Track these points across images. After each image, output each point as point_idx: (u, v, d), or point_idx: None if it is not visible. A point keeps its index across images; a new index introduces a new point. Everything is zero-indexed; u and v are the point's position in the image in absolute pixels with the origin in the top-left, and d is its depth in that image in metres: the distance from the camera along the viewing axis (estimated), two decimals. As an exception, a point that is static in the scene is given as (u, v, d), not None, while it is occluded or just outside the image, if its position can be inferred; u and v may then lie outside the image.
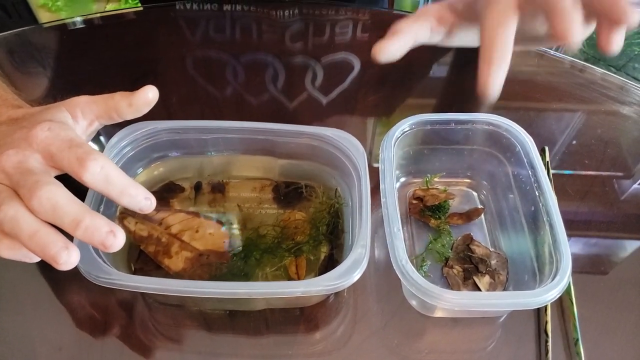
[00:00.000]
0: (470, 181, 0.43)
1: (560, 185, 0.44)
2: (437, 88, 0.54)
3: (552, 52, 0.55)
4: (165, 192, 0.40)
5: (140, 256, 0.36)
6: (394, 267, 0.31)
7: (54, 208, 0.24)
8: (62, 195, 0.24)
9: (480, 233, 0.40)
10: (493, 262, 0.37)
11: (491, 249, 0.38)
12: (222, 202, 0.40)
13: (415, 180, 0.43)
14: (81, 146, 0.26)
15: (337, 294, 0.37)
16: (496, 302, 0.31)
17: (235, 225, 0.38)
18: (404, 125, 0.38)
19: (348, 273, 0.29)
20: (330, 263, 0.36)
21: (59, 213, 0.24)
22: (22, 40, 0.57)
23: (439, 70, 0.55)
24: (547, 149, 0.46)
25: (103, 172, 0.25)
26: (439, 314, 0.35)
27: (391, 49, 0.33)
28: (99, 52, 0.56)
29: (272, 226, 0.38)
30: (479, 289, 0.36)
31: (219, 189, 0.41)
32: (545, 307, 0.35)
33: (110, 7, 1.57)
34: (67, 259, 0.24)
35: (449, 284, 0.36)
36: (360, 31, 0.58)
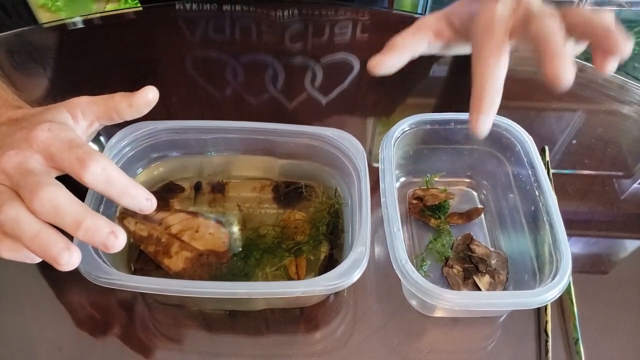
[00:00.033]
0: (470, 181, 0.43)
1: (561, 184, 0.44)
2: (437, 88, 0.54)
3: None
4: (165, 192, 0.40)
5: (140, 256, 0.36)
6: (394, 267, 0.31)
7: (55, 209, 0.24)
8: (63, 196, 0.24)
9: (480, 233, 0.40)
10: (493, 261, 0.37)
11: (491, 249, 0.38)
12: (222, 202, 0.40)
13: (415, 180, 0.43)
14: (81, 147, 0.26)
15: (337, 293, 0.37)
16: (496, 301, 0.31)
17: (235, 225, 0.38)
18: (404, 125, 0.38)
19: (348, 273, 0.29)
20: (330, 263, 0.36)
21: (60, 214, 0.24)
22: (21, 41, 0.57)
23: (439, 70, 0.55)
24: (547, 148, 0.46)
25: (104, 172, 0.25)
26: (439, 313, 0.35)
27: (388, 63, 0.33)
28: (98, 52, 0.56)
29: (272, 226, 0.38)
30: (479, 289, 0.36)
31: (218, 189, 0.41)
32: (546, 306, 0.35)
33: (110, 7, 1.57)
34: (69, 259, 0.24)
35: (449, 284, 0.36)
36: (360, 31, 0.58)
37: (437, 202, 0.40)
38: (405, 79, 0.51)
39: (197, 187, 0.41)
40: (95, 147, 0.38)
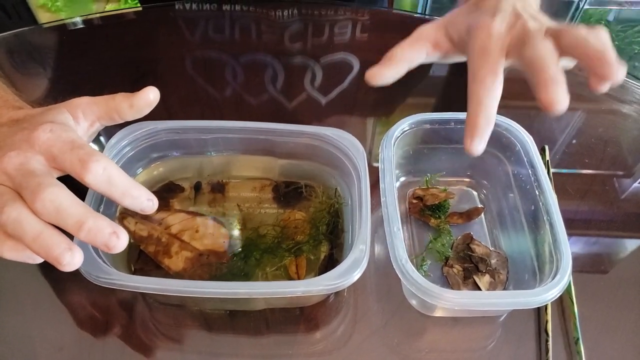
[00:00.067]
0: (470, 180, 0.43)
1: (561, 184, 0.44)
2: (437, 87, 0.54)
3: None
4: (165, 192, 0.40)
5: (140, 256, 0.36)
6: (394, 267, 0.31)
7: (57, 210, 0.24)
8: (65, 197, 0.24)
9: (480, 232, 0.40)
10: (493, 261, 0.37)
11: (491, 248, 0.38)
12: (222, 202, 0.40)
13: (415, 180, 0.43)
14: (83, 147, 0.26)
15: (337, 293, 0.37)
16: (496, 301, 0.31)
17: (235, 225, 0.38)
18: (404, 125, 0.38)
19: (348, 272, 0.29)
20: (330, 263, 0.36)
21: (62, 215, 0.24)
22: (21, 41, 0.57)
23: (439, 69, 0.55)
24: (547, 148, 0.46)
25: (105, 173, 0.25)
26: (439, 313, 0.35)
27: (386, 75, 0.33)
28: (98, 53, 0.56)
29: (272, 226, 0.38)
30: (479, 288, 0.36)
31: (218, 189, 0.41)
32: (546, 306, 0.35)
33: (109, 7, 1.57)
34: (71, 260, 0.24)
35: (449, 284, 0.36)
36: (360, 31, 0.58)
37: (437, 202, 0.40)
38: (405, 78, 0.51)
39: (197, 187, 0.41)
40: (95, 147, 0.38)
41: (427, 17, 0.80)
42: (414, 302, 0.36)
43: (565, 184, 0.44)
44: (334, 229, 0.37)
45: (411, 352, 0.34)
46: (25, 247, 0.24)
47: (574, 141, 0.49)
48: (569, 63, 0.30)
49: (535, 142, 0.37)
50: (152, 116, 0.32)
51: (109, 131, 0.35)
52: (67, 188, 0.25)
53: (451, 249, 0.38)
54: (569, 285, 0.36)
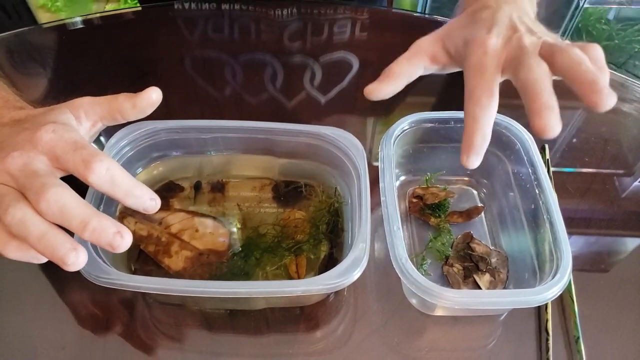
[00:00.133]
0: (470, 179, 0.43)
1: (561, 183, 0.44)
2: (437, 86, 0.54)
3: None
4: (164, 192, 0.40)
5: (140, 256, 0.36)
6: (394, 266, 0.31)
7: (62, 210, 0.24)
8: (69, 197, 0.24)
9: (481, 231, 0.40)
10: (493, 260, 0.37)
11: (491, 247, 0.38)
12: (222, 201, 0.40)
13: (415, 179, 0.43)
14: (86, 148, 0.26)
15: (337, 292, 0.37)
16: (496, 300, 0.31)
17: (235, 225, 0.38)
18: (404, 124, 0.38)
19: (348, 272, 0.29)
20: (330, 262, 0.36)
21: (66, 215, 0.24)
22: (21, 41, 0.57)
23: (439, 68, 0.55)
24: (547, 146, 0.46)
25: (108, 173, 0.25)
26: (439, 312, 0.35)
27: (385, 90, 0.34)
28: (98, 52, 0.56)
29: (272, 225, 0.38)
30: (479, 287, 0.36)
31: (218, 188, 0.41)
32: (546, 305, 0.35)
33: (109, 7, 1.57)
34: (75, 260, 0.24)
35: (449, 283, 0.36)
36: (359, 30, 0.58)
37: (437, 201, 0.40)
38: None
39: (197, 187, 0.41)
40: (95, 147, 0.38)
41: (426, 16, 0.80)
42: (414, 301, 0.36)
43: (566, 183, 0.44)
44: (334, 228, 0.37)
45: (411, 351, 0.34)
46: (30, 247, 0.25)
47: (574, 140, 0.49)
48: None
49: (535, 141, 0.37)
50: (151, 116, 0.32)
51: (109, 131, 0.35)
52: (70, 188, 0.25)
53: (451, 248, 0.38)
54: (569, 284, 0.36)
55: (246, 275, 0.35)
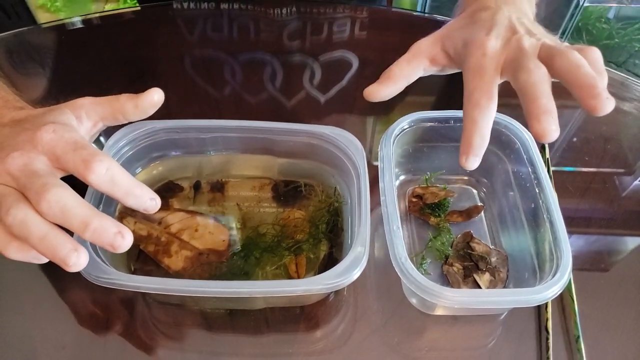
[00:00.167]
0: (469, 179, 0.43)
1: (561, 182, 0.44)
2: (436, 85, 0.54)
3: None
4: (164, 192, 0.40)
5: (139, 255, 0.36)
6: (394, 265, 0.31)
7: (63, 211, 0.24)
8: (70, 197, 0.24)
9: (480, 230, 0.40)
10: (493, 259, 0.37)
11: (491, 247, 0.38)
12: (222, 201, 0.40)
13: (414, 178, 0.43)
14: (86, 148, 0.26)
15: (337, 292, 0.36)
16: (496, 299, 0.31)
17: (234, 224, 0.38)
18: (403, 123, 0.38)
19: (348, 271, 0.29)
20: (330, 261, 0.36)
21: (67, 215, 0.24)
22: (20, 41, 0.57)
23: (438, 67, 0.55)
24: (547, 145, 0.46)
25: (108, 173, 0.25)
26: (439, 311, 0.35)
27: (384, 92, 0.34)
28: (97, 52, 0.56)
29: (272, 225, 0.38)
30: (479, 287, 0.36)
31: (218, 188, 0.41)
32: (546, 304, 0.35)
33: (108, 7, 1.57)
34: (77, 260, 0.24)
35: (449, 282, 0.36)
36: (359, 29, 0.58)
37: (436, 200, 0.40)
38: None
39: (197, 187, 0.41)
40: (95, 147, 0.38)
41: (426, 15, 0.80)
42: (413, 301, 0.36)
43: (566, 182, 0.44)
44: (333, 228, 0.37)
45: (411, 351, 0.34)
46: (31, 247, 0.25)
47: (574, 139, 0.49)
48: None
49: (535, 140, 0.37)
50: (151, 115, 0.32)
51: (108, 131, 0.35)
52: (71, 188, 0.25)
53: (451, 247, 0.38)
54: (569, 283, 0.36)
55: (246, 275, 0.35)
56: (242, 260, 0.36)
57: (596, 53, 0.30)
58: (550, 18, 1.14)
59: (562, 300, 0.36)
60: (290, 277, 0.35)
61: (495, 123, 0.38)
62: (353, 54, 0.55)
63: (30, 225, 0.24)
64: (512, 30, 0.32)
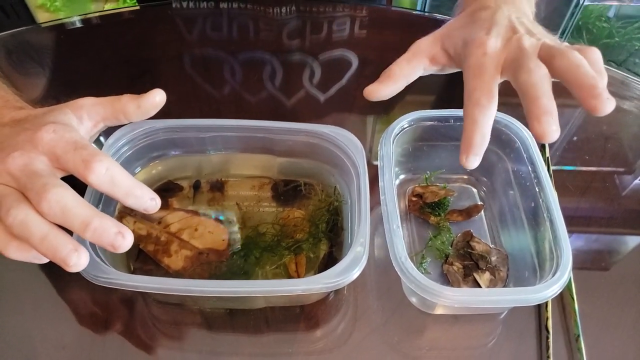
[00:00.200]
0: (469, 178, 0.43)
1: (561, 181, 0.44)
2: (436, 84, 0.53)
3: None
4: (163, 191, 0.40)
5: (139, 255, 0.36)
6: (394, 265, 0.31)
7: (63, 211, 0.24)
8: (71, 197, 0.24)
9: (480, 229, 0.40)
10: (493, 258, 0.37)
11: (491, 246, 0.38)
12: (221, 200, 0.40)
13: (414, 177, 0.43)
14: (86, 148, 0.26)
15: (337, 291, 0.36)
16: (496, 298, 0.31)
17: (234, 224, 0.38)
18: (403, 122, 0.38)
19: (348, 270, 0.29)
20: (330, 261, 0.36)
21: (68, 215, 0.24)
22: (20, 41, 0.57)
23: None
24: (547, 144, 0.46)
25: (108, 173, 0.25)
26: (439, 311, 0.35)
27: (384, 91, 0.34)
28: (97, 52, 0.56)
29: (272, 224, 0.38)
30: (479, 286, 0.36)
31: (217, 187, 0.41)
32: (546, 303, 0.35)
33: (108, 6, 1.57)
34: (77, 261, 0.24)
35: (449, 281, 0.36)
36: (358, 28, 0.58)
37: (436, 199, 0.40)
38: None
39: (196, 186, 0.41)
40: (95, 147, 0.38)
41: (426, 14, 0.80)
42: (414, 300, 0.36)
43: (566, 181, 0.44)
44: (333, 227, 0.37)
45: (411, 350, 0.34)
46: (31, 247, 0.25)
47: (574, 138, 0.48)
48: None
49: (535, 139, 0.37)
50: (150, 115, 0.32)
51: (107, 130, 0.35)
52: (71, 188, 0.25)
53: (451, 246, 0.38)
54: (570, 282, 0.36)
55: (246, 275, 0.35)
56: (242, 259, 0.36)
57: (596, 53, 0.30)
58: (551, 17, 1.14)
59: (562, 299, 0.36)
60: (290, 277, 0.35)
61: (495, 122, 0.38)
62: (353, 53, 0.55)
63: (31, 226, 0.24)
64: (512, 29, 0.32)
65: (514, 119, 0.38)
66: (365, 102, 0.35)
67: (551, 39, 0.32)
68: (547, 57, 0.30)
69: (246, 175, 0.41)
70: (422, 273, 0.30)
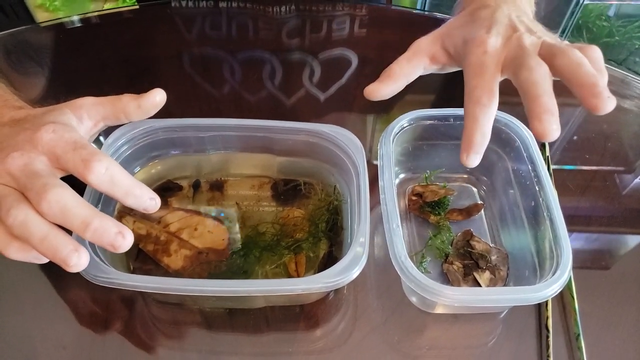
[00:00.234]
0: (469, 177, 0.43)
1: (561, 180, 0.44)
2: (436, 83, 0.53)
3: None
4: (163, 191, 0.40)
5: (139, 255, 0.36)
6: (394, 264, 0.31)
7: (63, 211, 0.24)
8: (71, 197, 0.24)
9: (481, 229, 0.40)
10: (493, 257, 0.37)
11: (491, 245, 0.38)
12: (221, 200, 0.40)
13: (414, 176, 0.43)
14: (85, 147, 0.26)
15: (337, 291, 0.36)
16: (496, 297, 0.31)
17: (234, 223, 0.38)
18: (403, 121, 0.38)
19: (347, 270, 0.29)
20: (330, 260, 0.36)
21: (68, 215, 0.24)
22: (19, 40, 0.56)
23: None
24: (547, 144, 0.46)
25: (108, 173, 0.25)
26: (439, 310, 0.35)
27: (385, 91, 0.34)
28: (96, 51, 0.56)
29: (271, 224, 0.38)
30: (479, 285, 0.36)
31: (217, 187, 0.41)
32: (546, 302, 0.35)
33: (107, 6, 1.57)
34: (77, 261, 0.24)
35: (449, 280, 0.36)
36: (358, 27, 0.57)
37: (436, 199, 0.40)
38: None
39: (196, 186, 0.41)
40: (94, 147, 0.38)
41: (425, 13, 0.80)
42: (413, 299, 0.36)
43: (566, 180, 0.44)
44: (333, 227, 0.37)
45: (411, 350, 0.34)
46: (32, 248, 0.25)
47: (574, 137, 0.48)
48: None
49: (535, 138, 0.37)
50: (149, 114, 0.32)
51: (107, 130, 0.35)
52: (71, 188, 0.25)
53: (451, 245, 0.38)
54: (570, 281, 0.36)
55: (245, 274, 0.35)
56: (242, 259, 0.36)
57: (596, 52, 0.30)
58: (551, 16, 1.13)
59: (563, 298, 0.36)
60: (289, 276, 0.35)
61: (495, 121, 0.38)
62: (352, 52, 0.55)
63: (31, 226, 0.24)
64: (512, 28, 0.32)
65: (514, 118, 0.38)
66: (365, 101, 0.35)
67: (551, 38, 0.32)
68: (547, 55, 0.29)
69: (246, 174, 0.41)
70: (422, 272, 0.30)
